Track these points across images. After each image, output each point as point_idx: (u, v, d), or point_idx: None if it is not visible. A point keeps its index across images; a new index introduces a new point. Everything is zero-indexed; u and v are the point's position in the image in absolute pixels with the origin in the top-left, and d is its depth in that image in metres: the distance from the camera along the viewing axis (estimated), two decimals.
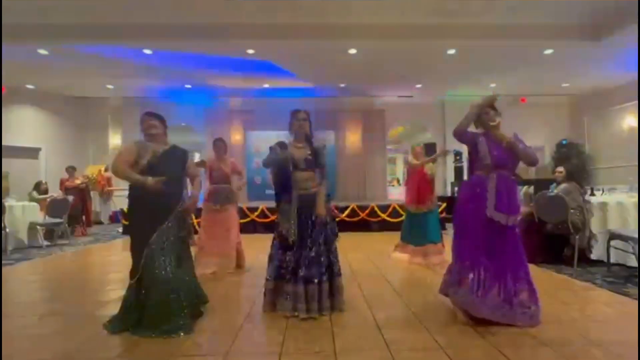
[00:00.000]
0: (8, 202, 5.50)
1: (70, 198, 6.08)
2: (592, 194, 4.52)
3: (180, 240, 2.37)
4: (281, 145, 2.82)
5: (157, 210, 2.27)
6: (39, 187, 6.89)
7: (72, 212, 6.31)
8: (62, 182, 7.26)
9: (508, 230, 2.28)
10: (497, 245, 2.26)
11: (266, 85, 8.41)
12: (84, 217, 7.20)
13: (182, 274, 2.33)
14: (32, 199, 6.48)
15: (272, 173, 3.09)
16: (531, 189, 6.14)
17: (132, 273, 2.26)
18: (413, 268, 3.88)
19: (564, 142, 9.27)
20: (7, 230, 5.06)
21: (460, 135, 2.38)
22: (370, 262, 4.15)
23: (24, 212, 5.60)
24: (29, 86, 8.14)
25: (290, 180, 2.50)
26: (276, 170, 2.69)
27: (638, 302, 2.63)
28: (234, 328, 2.24)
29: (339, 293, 2.52)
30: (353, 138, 9.86)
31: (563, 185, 4.10)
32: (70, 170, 7.28)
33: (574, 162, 8.56)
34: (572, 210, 3.79)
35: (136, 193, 2.29)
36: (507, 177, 2.33)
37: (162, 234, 2.24)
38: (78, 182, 7.25)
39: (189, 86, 8.42)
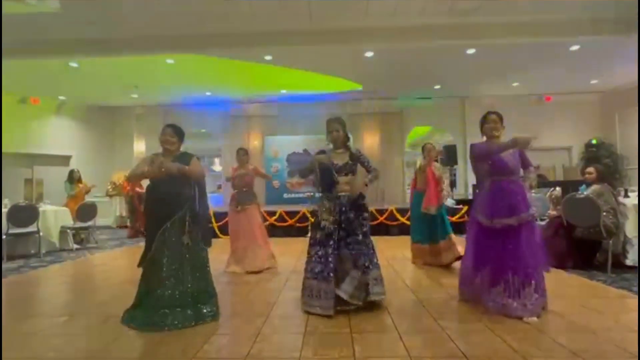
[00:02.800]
0: (42, 207, 5.80)
1: None
2: (627, 196, 4.26)
3: (181, 244, 2.45)
4: (321, 152, 2.92)
5: (161, 213, 2.47)
6: (72, 175, 6.94)
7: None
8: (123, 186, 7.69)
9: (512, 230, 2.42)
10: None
11: (284, 91, 8.50)
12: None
13: (180, 276, 2.44)
14: (66, 189, 6.82)
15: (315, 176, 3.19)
16: (558, 191, 5.87)
17: (139, 263, 2.52)
18: (435, 272, 3.78)
19: (594, 141, 8.85)
20: (41, 234, 5.33)
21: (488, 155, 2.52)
22: (390, 267, 4.08)
23: (56, 217, 5.88)
24: (61, 97, 8.59)
25: (333, 183, 2.73)
26: (320, 174, 2.86)
27: (638, 303, 2.58)
28: (253, 332, 2.25)
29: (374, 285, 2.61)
30: (371, 140, 9.79)
31: (594, 187, 3.89)
32: None
33: (605, 162, 8.14)
34: (604, 214, 3.59)
35: (147, 196, 2.61)
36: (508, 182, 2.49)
37: (163, 233, 2.42)
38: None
39: (209, 93, 8.64)
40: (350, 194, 2.68)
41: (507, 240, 2.41)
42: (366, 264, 2.60)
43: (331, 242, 2.59)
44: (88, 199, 7.08)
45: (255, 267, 3.92)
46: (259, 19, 5.43)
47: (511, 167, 2.47)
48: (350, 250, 2.60)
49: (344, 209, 2.64)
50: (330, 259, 2.56)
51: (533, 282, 2.36)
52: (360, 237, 2.64)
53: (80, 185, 6.94)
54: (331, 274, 2.53)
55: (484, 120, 2.62)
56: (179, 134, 2.66)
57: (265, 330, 2.27)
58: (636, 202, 3.86)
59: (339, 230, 2.62)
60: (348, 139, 2.85)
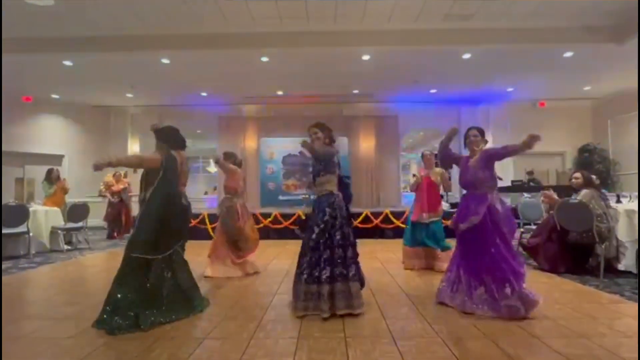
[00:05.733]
0: (32, 207, 5.70)
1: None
2: (619, 201, 4.31)
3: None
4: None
5: (176, 229, 2.64)
6: (50, 175, 6.68)
7: (113, 216, 7.37)
8: (108, 186, 7.53)
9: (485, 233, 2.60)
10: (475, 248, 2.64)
11: (280, 92, 8.48)
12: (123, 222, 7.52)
13: (175, 274, 2.61)
14: (43, 188, 6.67)
15: None
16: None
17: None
18: (429, 276, 3.78)
19: (587, 147, 8.96)
20: (31, 234, 5.24)
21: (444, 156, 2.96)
22: (384, 270, 4.07)
23: (47, 217, 5.78)
24: (54, 96, 8.48)
25: (311, 187, 2.88)
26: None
27: (638, 304, 2.62)
28: (246, 336, 2.22)
29: (352, 297, 2.53)
30: (366, 144, 9.81)
31: (583, 192, 3.92)
32: (118, 175, 7.57)
33: (598, 168, 8.23)
34: (598, 218, 3.62)
35: (166, 209, 2.62)
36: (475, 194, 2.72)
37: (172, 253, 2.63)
38: (121, 187, 7.52)
39: (204, 94, 8.59)
40: (320, 195, 2.72)
41: (482, 244, 2.60)
42: (336, 274, 2.53)
43: (308, 245, 2.65)
44: (81, 199, 6.99)
45: (244, 271, 3.88)
46: (256, 19, 5.42)
47: (472, 182, 2.72)
48: (325, 254, 2.56)
49: (315, 211, 2.71)
50: (305, 262, 2.64)
51: (508, 284, 2.48)
52: (335, 241, 2.58)
53: (59, 184, 6.78)
54: (301, 276, 2.61)
55: (466, 135, 2.86)
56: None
57: (258, 335, 2.25)
58: (628, 207, 3.90)
59: (319, 232, 2.61)
60: (333, 141, 2.82)
